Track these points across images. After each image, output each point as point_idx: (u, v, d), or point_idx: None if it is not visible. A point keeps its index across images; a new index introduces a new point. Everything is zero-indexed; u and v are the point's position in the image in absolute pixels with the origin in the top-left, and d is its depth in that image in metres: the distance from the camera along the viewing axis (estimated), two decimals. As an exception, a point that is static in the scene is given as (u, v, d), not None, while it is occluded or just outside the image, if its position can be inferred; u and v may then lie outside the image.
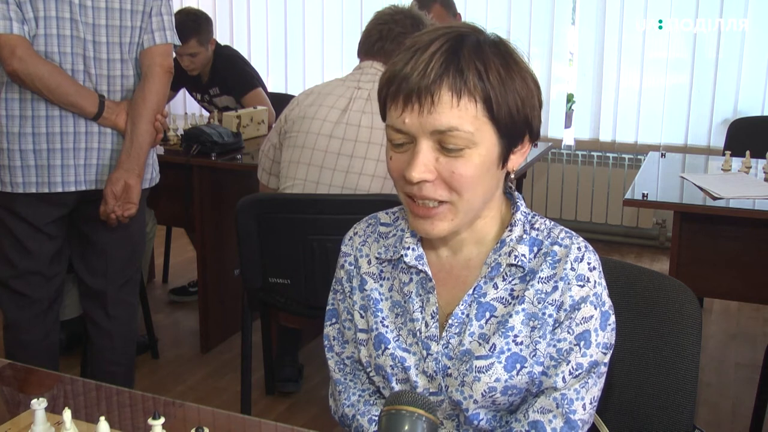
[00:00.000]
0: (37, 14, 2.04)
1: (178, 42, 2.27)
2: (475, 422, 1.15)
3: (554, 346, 1.12)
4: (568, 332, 1.12)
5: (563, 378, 1.12)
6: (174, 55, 2.28)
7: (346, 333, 1.28)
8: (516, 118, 1.07)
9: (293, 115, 2.37)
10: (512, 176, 1.16)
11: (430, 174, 1.05)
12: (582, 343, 1.12)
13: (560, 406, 1.11)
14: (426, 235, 1.12)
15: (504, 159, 1.09)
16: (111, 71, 2.17)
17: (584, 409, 1.12)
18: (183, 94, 4.38)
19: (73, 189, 2.17)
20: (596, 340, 1.12)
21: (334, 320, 1.30)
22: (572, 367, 1.12)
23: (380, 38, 2.31)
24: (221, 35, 5.08)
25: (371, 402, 1.25)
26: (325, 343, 1.32)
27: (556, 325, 1.12)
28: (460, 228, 1.13)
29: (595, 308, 1.13)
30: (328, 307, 1.32)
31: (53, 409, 1.16)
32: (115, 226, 2.20)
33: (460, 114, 1.03)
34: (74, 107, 2.12)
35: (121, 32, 2.16)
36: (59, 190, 2.15)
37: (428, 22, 2.35)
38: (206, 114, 3.95)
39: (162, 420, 1.05)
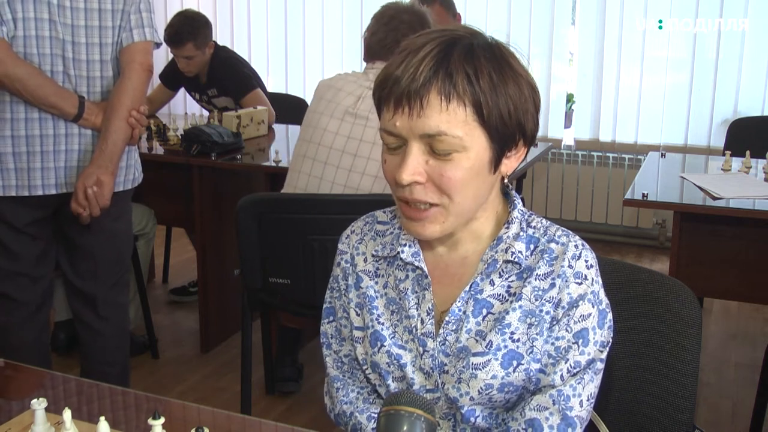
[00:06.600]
0: (15, 16, 2.02)
1: (158, 39, 2.24)
2: (471, 419, 1.15)
3: (552, 344, 1.13)
4: (567, 330, 1.12)
5: (561, 376, 1.12)
6: (153, 52, 2.24)
7: (342, 331, 1.28)
8: (508, 123, 1.06)
9: (311, 108, 2.42)
10: (506, 181, 1.16)
11: (419, 176, 1.06)
12: (580, 341, 1.12)
13: (557, 402, 1.11)
14: (418, 236, 1.13)
15: (496, 163, 1.10)
16: (90, 72, 2.16)
17: (581, 406, 1.12)
18: (183, 95, 4.37)
19: (54, 192, 2.15)
20: (594, 338, 1.13)
21: (331, 318, 1.31)
22: (570, 365, 1.12)
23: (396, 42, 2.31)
24: (222, 35, 5.08)
25: (370, 400, 1.25)
26: (323, 340, 1.32)
27: (554, 322, 1.13)
28: (454, 229, 1.13)
29: (593, 306, 1.13)
30: (324, 305, 1.32)
31: (53, 409, 1.16)
32: (88, 222, 2.15)
33: (449, 118, 1.03)
34: (54, 109, 2.10)
35: (100, 33, 2.14)
36: (39, 193, 2.13)
37: (430, 21, 2.35)
38: (206, 114, 3.95)
39: (162, 420, 1.05)
